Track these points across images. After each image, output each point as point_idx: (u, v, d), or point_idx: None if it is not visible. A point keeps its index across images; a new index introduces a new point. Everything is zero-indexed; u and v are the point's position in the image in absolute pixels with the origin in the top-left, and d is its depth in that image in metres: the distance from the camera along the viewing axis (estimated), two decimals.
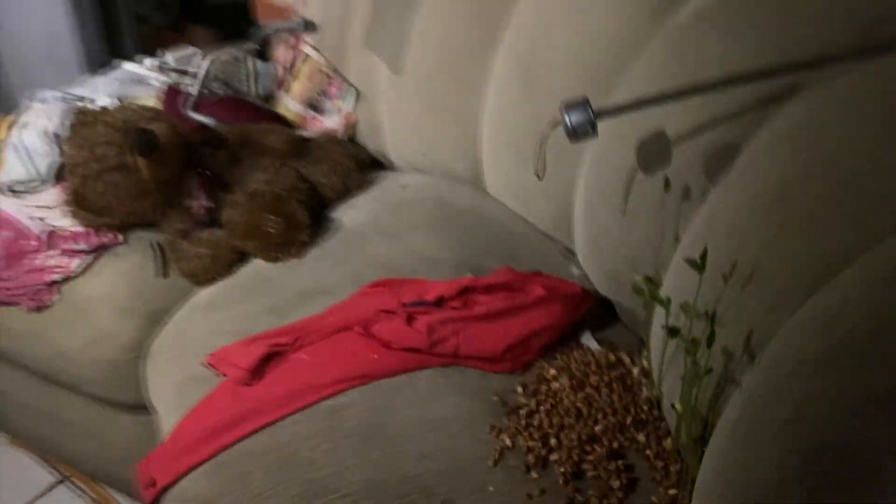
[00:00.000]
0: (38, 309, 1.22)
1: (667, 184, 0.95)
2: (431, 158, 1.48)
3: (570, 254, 1.26)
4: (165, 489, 0.96)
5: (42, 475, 1.56)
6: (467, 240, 1.29)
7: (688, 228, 0.95)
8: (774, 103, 0.89)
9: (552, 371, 1.02)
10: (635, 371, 1.02)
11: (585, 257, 1.21)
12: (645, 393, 0.99)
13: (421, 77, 1.43)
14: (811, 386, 0.61)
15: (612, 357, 1.05)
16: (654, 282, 0.97)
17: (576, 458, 0.91)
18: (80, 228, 1.27)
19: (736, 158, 0.91)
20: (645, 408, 0.98)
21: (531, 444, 0.92)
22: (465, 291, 1.10)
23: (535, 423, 0.95)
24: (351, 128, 1.58)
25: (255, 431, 0.96)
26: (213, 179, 1.30)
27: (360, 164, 1.51)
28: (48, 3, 2.20)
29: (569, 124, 0.85)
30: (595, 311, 1.14)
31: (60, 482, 1.54)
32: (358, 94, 1.56)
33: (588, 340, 1.09)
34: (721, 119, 0.93)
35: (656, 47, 1.07)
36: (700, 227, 0.93)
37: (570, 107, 0.85)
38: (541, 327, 1.06)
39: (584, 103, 0.85)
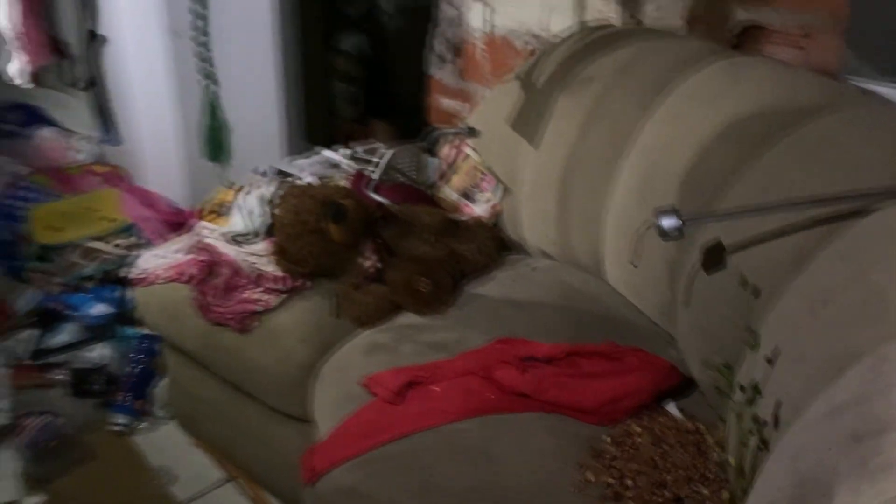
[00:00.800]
0: (242, 331, 1.58)
1: (744, 283, 1.16)
2: (560, 247, 1.75)
3: (670, 339, 1.47)
4: (322, 474, 1.25)
5: (215, 474, 1.90)
6: (581, 317, 1.53)
7: (760, 323, 1.15)
8: (843, 221, 1.10)
9: (637, 428, 1.23)
10: (710, 439, 1.21)
11: (683, 342, 1.41)
12: (715, 458, 1.18)
13: (556, 178, 1.72)
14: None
15: (691, 425, 1.24)
16: (729, 367, 1.17)
17: (646, 497, 1.11)
18: (279, 273, 1.64)
19: (804, 266, 1.11)
20: (713, 469, 1.16)
21: (610, 481, 1.13)
22: (571, 355, 1.34)
23: (616, 466, 1.16)
24: (496, 216, 1.88)
25: (393, 440, 1.24)
26: (383, 246, 1.64)
27: (500, 246, 1.81)
28: (265, 96, 2.72)
29: (660, 227, 1.10)
30: (682, 387, 1.34)
31: (228, 481, 1.88)
32: (505, 189, 1.87)
33: (672, 409, 1.29)
34: (797, 231, 1.14)
35: (752, 171, 1.30)
36: (771, 322, 1.13)
37: (661, 213, 1.10)
38: (632, 391, 1.27)
39: (673, 211, 1.10)
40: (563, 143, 1.72)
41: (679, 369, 1.35)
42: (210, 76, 1.33)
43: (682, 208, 1.14)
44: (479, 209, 1.90)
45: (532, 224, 1.82)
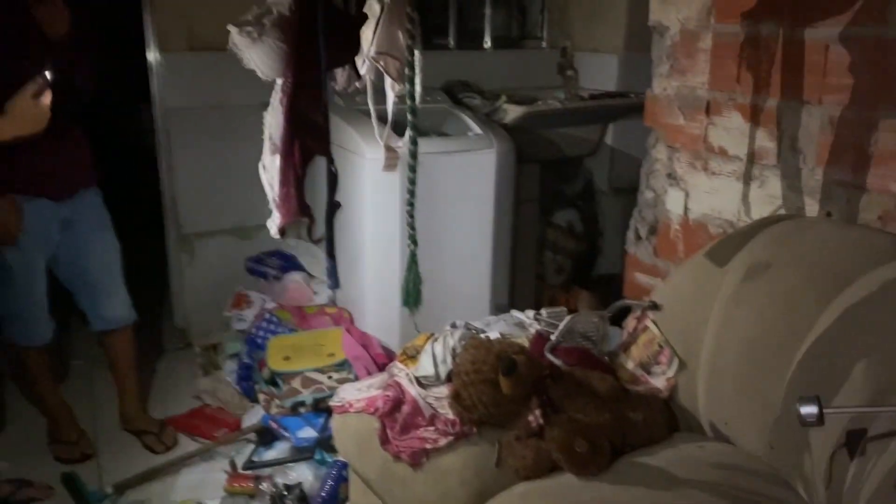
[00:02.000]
0: (413, 465, 1.74)
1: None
2: (732, 428, 1.73)
3: None
4: None
5: None
6: None
7: None
8: None
9: None
10: None
11: None
12: None
13: (732, 360, 1.73)
14: None
15: None
16: None
17: None
18: (452, 417, 1.80)
19: None
20: None
21: None
22: None
23: None
24: (671, 390, 1.90)
25: None
26: (548, 403, 1.74)
27: (670, 421, 1.82)
28: (476, 259, 3.00)
29: (799, 414, 1.11)
30: None
31: None
32: (681, 365, 1.90)
33: None
34: None
35: None
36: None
37: (803, 401, 1.12)
38: None
39: (815, 400, 1.11)
40: (742, 326, 1.74)
41: None
42: (412, 237, 1.60)
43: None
44: (655, 381, 1.94)
45: (706, 403, 1.82)
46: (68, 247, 2.52)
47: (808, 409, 1.09)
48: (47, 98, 1.92)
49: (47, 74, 1.91)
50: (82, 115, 2.45)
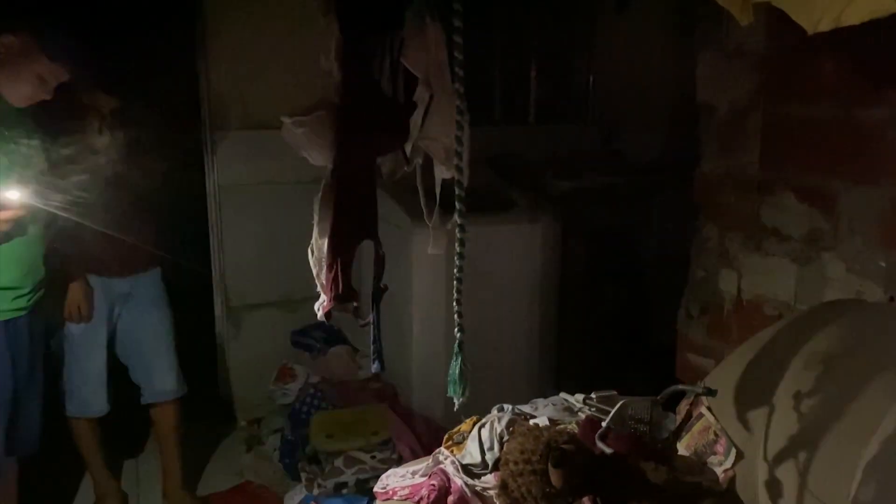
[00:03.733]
0: None
1: None
2: None
3: None
4: None
5: None
6: None
7: None
8: None
9: None
10: None
11: None
12: None
13: (795, 454, 1.64)
14: None
15: None
16: None
17: None
18: None
19: None
20: None
21: None
22: None
23: None
24: (728, 481, 1.81)
25: None
26: (601, 500, 1.67)
27: None
28: (520, 343, 2.96)
29: None
30: None
31: None
32: (739, 455, 1.81)
33: None
34: None
35: None
36: None
37: None
38: None
39: None
40: (803, 418, 1.66)
41: None
42: (459, 326, 1.57)
43: None
44: (711, 473, 1.85)
45: (767, 498, 1.72)
46: (126, 320, 2.60)
47: None
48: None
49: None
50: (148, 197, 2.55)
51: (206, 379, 3.70)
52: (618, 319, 3.44)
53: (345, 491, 2.55)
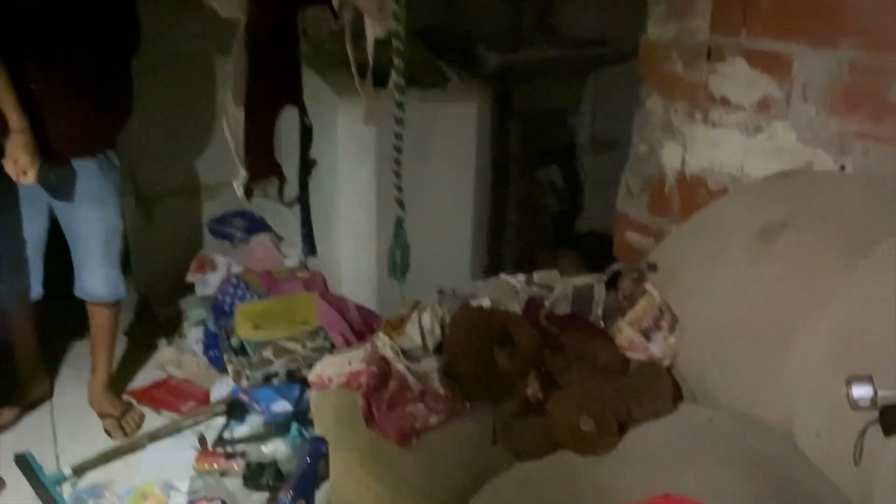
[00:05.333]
0: (401, 445, 1.60)
1: None
2: (744, 400, 1.61)
3: None
4: None
5: None
6: (762, 484, 1.37)
7: None
8: None
9: None
10: None
11: None
12: None
13: (744, 326, 1.61)
14: None
15: None
16: None
17: None
18: (443, 392, 1.66)
19: None
20: None
21: None
22: None
23: None
24: (673, 358, 1.78)
25: None
26: (548, 377, 1.60)
27: (675, 391, 1.70)
28: (457, 222, 2.85)
29: (850, 397, 0.98)
30: None
31: None
32: (684, 331, 1.78)
33: None
34: None
35: None
36: None
37: (854, 381, 0.99)
38: None
39: (867, 380, 0.98)
40: (753, 290, 1.62)
41: None
42: (398, 200, 1.43)
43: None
44: (654, 349, 1.82)
45: (713, 371, 1.70)
46: (60, 210, 2.34)
47: (862, 392, 0.97)
48: None
49: None
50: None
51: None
52: (554, 201, 3.37)
53: (275, 381, 2.44)
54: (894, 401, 0.95)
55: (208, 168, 3.22)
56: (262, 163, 1.46)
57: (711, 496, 1.30)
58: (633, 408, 1.61)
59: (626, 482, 1.38)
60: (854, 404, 0.97)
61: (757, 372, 1.57)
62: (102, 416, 2.52)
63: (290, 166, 1.71)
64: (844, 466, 1.33)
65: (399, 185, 1.41)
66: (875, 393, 0.95)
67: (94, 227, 2.36)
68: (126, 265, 3.20)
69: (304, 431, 2.29)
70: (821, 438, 1.40)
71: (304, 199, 1.69)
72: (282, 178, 1.50)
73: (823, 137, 1.79)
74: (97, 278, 2.43)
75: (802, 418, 1.46)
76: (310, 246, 1.71)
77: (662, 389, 1.68)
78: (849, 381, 0.98)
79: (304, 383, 2.35)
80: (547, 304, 1.88)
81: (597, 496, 1.34)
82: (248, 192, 1.53)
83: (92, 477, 2.26)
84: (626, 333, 1.89)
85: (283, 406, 2.35)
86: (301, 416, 2.33)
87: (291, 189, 1.68)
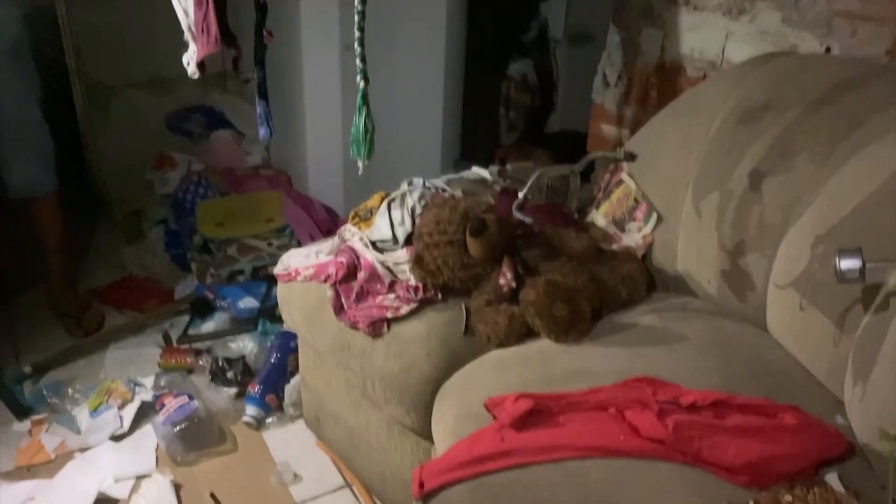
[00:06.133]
0: (372, 336, 1.56)
1: None
2: (716, 287, 1.60)
3: (838, 403, 1.28)
4: (431, 493, 1.18)
5: (334, 478, 1.89)
6: (734, 365, 1.37)
7: None
8: None
9: (788, 497, 1.06)
10: None
11: (852, 409, 1.23)
12: None
13: (720, 214, 1.58)
14: None
15: (854, 502, 1.06)
16: None
17: None
18: (413, 283, 1.61)
19: None
20: None
21: None
22: (719, 404, 1.20)
23: None
24: (647, 248, 1.76)
25: (510, 468, 1.15)
26: (521, 265, 1.56)
27: (648, 281, 1.68)
28: (427, 113, 2.75)
29: (839, 269, 0.95)
30: (849, 460, 1.15)
31: (344, 487, 1.86)
32: (659, 220, 1.74)
33: (834, 482, 1.11)
34: None
35: None
36: None
37: (843, 253, 0.96)
38: (785, 454, 1.11)
39: (857, 252, 0.95)
40: (734, 177, 1.58)
41: (844, 436, 1.17)
42: (363, 72, 1.33)
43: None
44: (628, 239, 1.79)
45: (687, 261, 1.68)
46: None
47: (850, 263, 0.94)
48: None
49: None
50: None
51: (74, 171, 3.31)
52: (526, 97, 3.26)
53: (240, 278, 2.38)
54: (881, 273, 0.93)
55: (166, 60, 3.03)
56: (213, 33, 1.34)
57: (686, 378, 1.30)
58: (607, 296, 1.59)
59: (600, 366, 1.37)
60: (842, 276, 0.94)
61: (732, 260, 1.54)
62: (60, 315, 2.44)
63: (247, 42, 1.59)
64: (814, 351, 1.33)
65: (363, 55, 1.30)
66: (863, 264, 0.92)
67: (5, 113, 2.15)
68: (81, 161, 3.08)
69: (271, 328, 2.25)
70: (794, 320, 1.39)
71: (261, 77, 1.57)
72: (236, 49, 1.39)
73: (809, 18, 1.71)
74: (21, 172, 2.26)
75: (776, 304, 1.45)
76: (267, 127, 1.60)
77: (636, 278, 1.66)
78: (838, 253, 0.94)
79: (271, 280, 2.30)
80: (520, 195, 1.82)
81: (573, 379, 1.32)
82: (201, 68, 1.42)
83: (53, 375, 2.21)
84: (599, 224, 1.86)
85: (249, 303, 2.31)
86: (268, 312, 2.28)
87: (247, 65, 1.57)
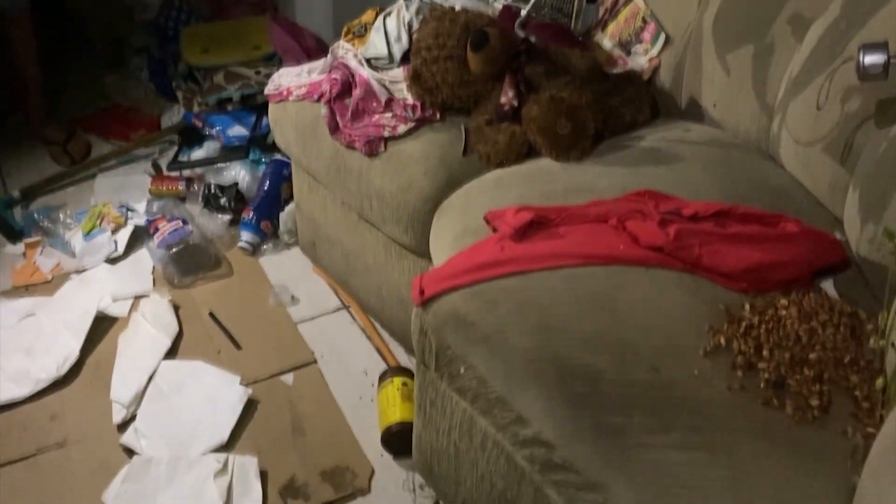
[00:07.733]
0: (370, 154, 1.53)
1: None
2: (721, 111, 1.56)
3: (836, 222, 1.28)
4: (430, 299, 1.20)
5: (331, 301, 1.92)
6: (736, 183, 1.36)
7: None
8: None
9: (783, 301, 1.08)
10: (868, 326, 1.05)
11: (851, 224, 1.23)
12: (871, 344, 1.03)
13: (729, 38, 1.51)
14: None
15: (847, 308, 1.08)
16: None
17: (783, 371, 0.99)
18: (411, 101, 1.56)
19: None
20: (867, 355, 1.01)
21: (744, 348, 1.01)
22: (720, 214, 1.19)
23: (753, 335, 1.03)
24: (653, 71, 1.70)
25: (509, 275, 1.15)
26: (524, 82, 1.51)
27: (652, 104, 1.64)
28: None
29: (861, 63, 0.91)
30: (845, 269, 1.17)
31: (342, 308, 1.90)
32: (667, 41, 1.67)
33: (829, 288, 1.13)
34: None
35: None
36: None
37: (868, 48, 0.91)
38: (784, 260, 1.12)
39: (882, 46, 0.91)
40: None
41: (841, 244, 1.18)
42: None
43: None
44: (634, 62, 1.72)
45: (692, 82, 1.63)
46: None
47: (874, 58, 0.90)
48: None
49: None
50: None
51: None
52: None
53: (229, 107, 2.31)
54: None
55: None
56: None
57: (688, 194, 1.29)
58: (610, 118, 1.55)
59: (602, 182, 1.35)
60: (864, 73, 0.91)
61: (740, 84, 1.50)
62: (46, 142, 2.38)
63: None
64: (820, 164, 1.32)
65: None
66: (888, 58, 0.88)
67: None
68: None
69: (262, 157, 2.20)
70: (798, 145, 1.36)
71: None
72: None
73: None
74: None
75: (781, 124, 1.42)
76: None
77: (640, 100, 1.61)
78: (862, 47, 0.90)
79: (261, 109, 2.23)
80: (523, 12, 1.73)
81: (574, 195, 1.31)
82: None
83: (43, 201, 2.18)
84: (605, 46, 1.78)
85: (239, 131, 2.25)
86: (260, 141, 2.23)
87: None
